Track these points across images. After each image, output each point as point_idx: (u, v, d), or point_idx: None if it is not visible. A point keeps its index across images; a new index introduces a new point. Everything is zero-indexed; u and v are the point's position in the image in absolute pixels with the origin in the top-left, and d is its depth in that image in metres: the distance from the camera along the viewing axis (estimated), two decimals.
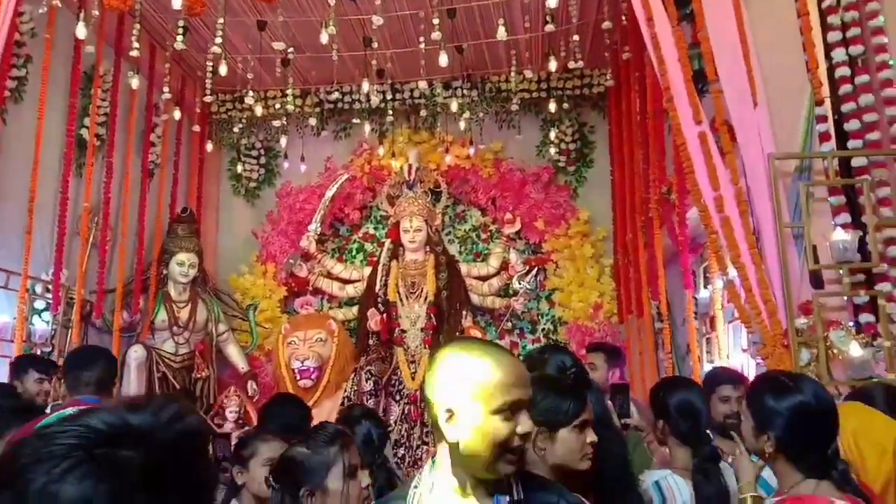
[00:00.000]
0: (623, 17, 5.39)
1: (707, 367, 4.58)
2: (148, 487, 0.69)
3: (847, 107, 3.51)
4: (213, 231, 7.13)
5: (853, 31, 3.58)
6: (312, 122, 6.72)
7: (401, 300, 6.21)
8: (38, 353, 4.44)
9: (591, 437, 1.74)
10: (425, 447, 5.70)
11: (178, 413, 0.75)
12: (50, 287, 4.82)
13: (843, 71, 3.55)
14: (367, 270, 6.63)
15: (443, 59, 4.89)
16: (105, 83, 5.49)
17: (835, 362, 3.05)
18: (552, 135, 6.83)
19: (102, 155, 5.53)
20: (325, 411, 5.72)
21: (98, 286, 5.36)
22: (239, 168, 7.24)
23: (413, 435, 5.76)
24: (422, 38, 5.46)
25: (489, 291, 6.57)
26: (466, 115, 6.52)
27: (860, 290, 3.23)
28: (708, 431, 2.25)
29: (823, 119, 3.47)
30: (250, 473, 2.18)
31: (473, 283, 6.55)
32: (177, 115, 5.94)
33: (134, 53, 4.88)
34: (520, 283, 6.43)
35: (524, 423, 1.30)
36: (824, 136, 3.46)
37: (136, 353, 5.32)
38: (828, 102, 3.50)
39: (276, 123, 6.49)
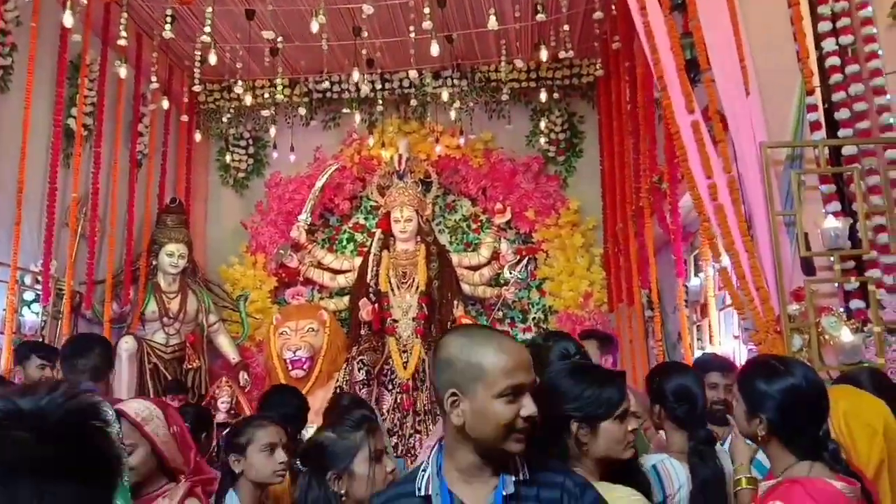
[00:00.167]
0: (613, 7, 5.41)
1: (699, 354, 4.63)
2: (41, 467, 0.71)
3: (837, 96, 3.55)
4: (201, 222, 7.09)
5: (843, 22, 3.62)
6: (302, 111, 6.68)
7: (392, 290, 6.22)
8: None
9: (632, 424, 1.70)
10: (418, 436, 5.73)
11: (68, 394, 0.76)
12: (39, 278, 4.77)
13: (834, 60, 3.59)
14: (358, 261, 6.63)
15: (434, 49, 4.88)
16: (92, 73, 5.42)
17: (826, 348, 3.10)
18: (542, 125, 6.84)
19: (90, 145, 5.47)
20: (317, 401, 5.70)
21: (88, 277, 5.31)
22: (227, 158, 7.20)
23: (406, 424, 5.79)
24: (412, 28, 5.44)
25: (480, 281, 6.59)
26: (457, 104, 6.51)
27: (851, 276, 3.28)
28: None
29: (814, 108, 3.51)
30: (248, 460, 2.19)
31: (464, 273, 6.58)
32: (165, 104, 5.88)
33: (122, 42, 4.83)
34: (510, 273, 6.47)
35: (528, 406, 1.34)
36: (815, 125, 3.50)
37: (126, 345, 5.29)
38: (818, 92, 3.54)
39: (265, 113, 6.45)
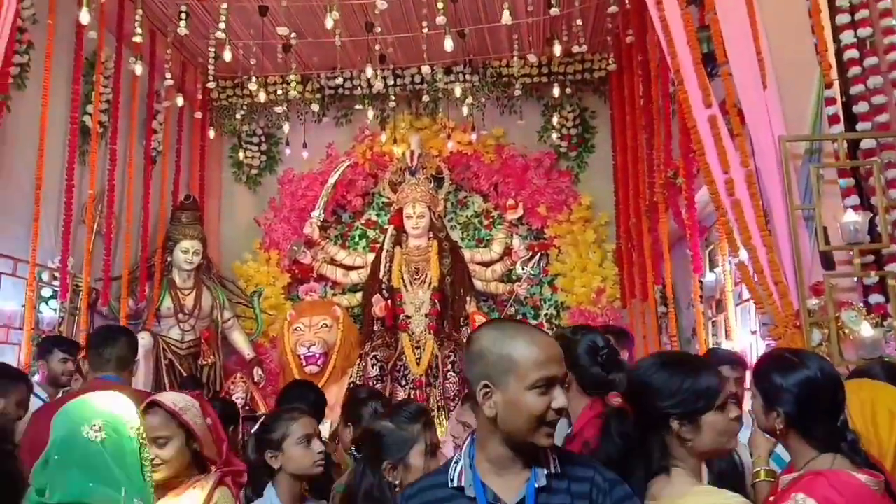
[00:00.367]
0: (626, 1, 5.39)
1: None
2: None
3: (856, 89, 3.53)
4: (215, 218, 7.12)
5: (861, 14, 3.59)
6: (314, 108, 6.69)
7: (405, 286, 6.23)
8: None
9: (734, 412, 1.61)
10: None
11: None
12: (56, 275, 4.81)
13: (852, 53, 3.56)
14: (371, 257, 6.64)
15: (448, 44, 4.87)
16: (107, 70, 5.45)
17: (846, 343, 3.08)
18: (554, 120, 6.82)
19: (105, 142, 5.50)
20: (331, 397, 5.72)
21: (104, 274, 5.35)
22: (240, 155, 7.22)
23: None
24: (424, 23, 5.44)
25: (492, 277, 6.59)
26: (469, 100, 6.50)
27: (870, 270, 3.26)
28: None
29: (833, 101, 3.48)
30: (286, 454, 2.20)
31: (476, 269, 6.58)
32: (179, 101, 5.90)
33: (137, 39, 4.85)
34: (523, 269, 6.46)
35: (558, 399, 1.36)
36: (833, 119, 3.47)
37: (142, 341, 5.30)
38: (837, 85, 3.51)
39: (278, 110, 6.46)
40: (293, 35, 5.52)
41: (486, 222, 7.05)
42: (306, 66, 6.75)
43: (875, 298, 3.23)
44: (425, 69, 6.17)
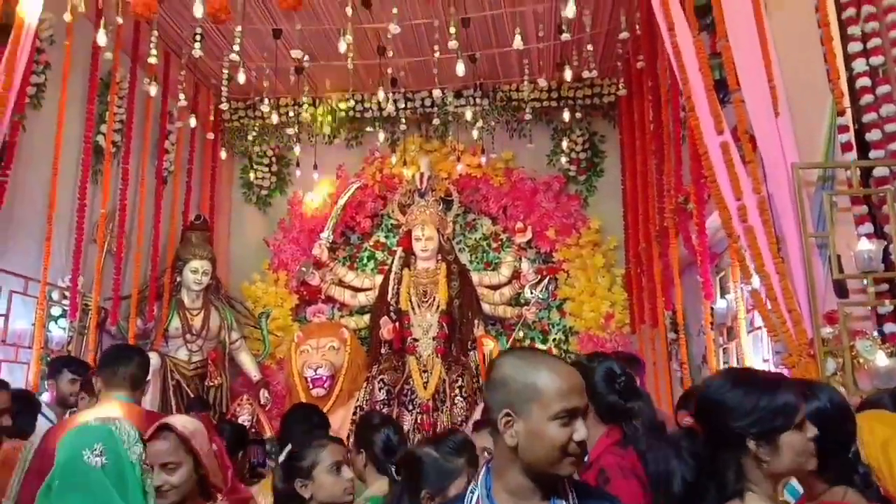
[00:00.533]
0: (637, 27, 5.43)
1: None
2: None
3: (868, 117, 3.52)
4: (224, 238, 7.15)
5: (873, 42, 3.60)
6: (326, 130, 6.74)
7: (413, 309, 6.21)
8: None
9: (811, 431, 1.53)
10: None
11: None
12: (67, 294, 4.82)
13: (864, 81, 3.56)
14: (379, 279, 6.63)
15: (460, 69, 4.91)
16: (121, 90, 5.51)
17: (860, 372, 3.05)
18: (563, 144, 6.84)
19: (118, 161, 5.55)
20: (337, 420, 5.70)
21: (114, 293, 5.36)
22: (251, 176, 7.27)
23: None
24: (436, 48, 5.49)
25: (500, 300, 6.57)
26: (479, 123, 6.53)
27: (884, 299, 3.23)
28: None
29: (845, 129, 3.47)
30: (317, 482, 2.15)
31: (485, 292, 6.56)
32: (192, 122, 5.95)
33: (152, 61, 4.90)
34: (531, 293, 6.43)
35: (580, 430, 1.35)
36: (846, 146, 3.46)
37: (151, 361, 5.30)
38: (849, 112, 3.51)
39: (290, 131, 6.50)
40: (306, 58, 5.58)
41: (494, 245, 7.04)
42: (318, 89, 6.81)
43: (890, 328, 3.19)
44: (436, 93, 6.22)
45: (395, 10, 4.75)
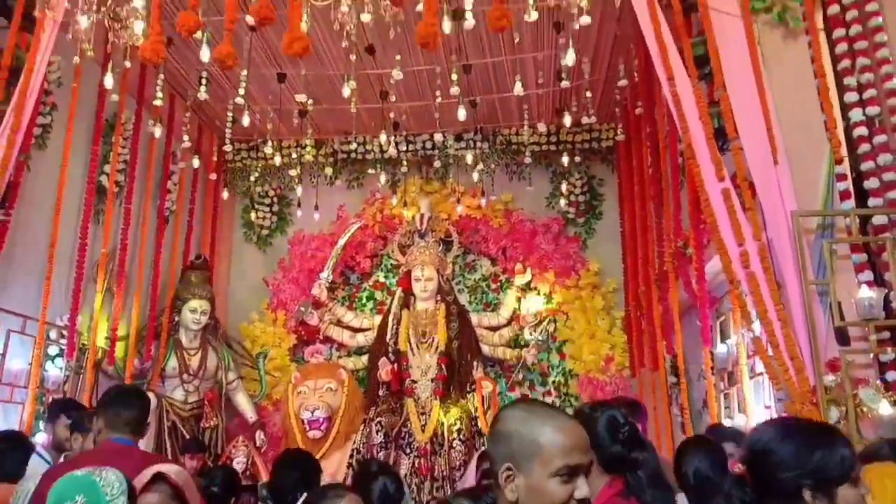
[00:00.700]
0: (635, 74, 5.53)
1: (727, 424, 4.53)
2: None
3: (866, 165, 3.58)
4: (224, 278, 7.14)
5: (869, 93, 3.68)
6: (328, 171, 6.80)
7: (411, 350, 6.17)
8: (50, 399, 4.40)
9: (864, 487, 1.53)
10: (435, 502, 5.59)
11: None
12: (64, 332, 4.79)
13: (861, 131, 3.63)
14: (378, 319, 6.61)
15: (461, 114, 4.98)
16: (126, 131, 5.57)
17: (864, 421, 3.03)
18: (562, 187, 6.91)
19: (121, 201, 5.58)
20: (333, 463, 5.63)
21: (112, 332, 5.33)
22: (252, 215, 7.30)
23: (423, 489, 5.65)
24: (438, 93, 5.57)
25: (500, 342, 6.54)
26: (479, 166, 6.59)
27: (886, 347, 3.23)
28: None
29: (843, 177, 3.53)
30: None
31: (484, 334, 6.53)
32: (195, 163, 6.00)
33: (157, 103, 4.97)
34: (530, 334, 6.41)
35: (582, 488, 1.34)
36: (844, 195, 3.51)
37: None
38: (847, 161, 3.56)
39: (292, 172, 6.55)
40: (310, 101, 5.65)
41: (493, 286, 7.05)
42: (321, 131, 6.89)
43: (892, 376, 3.20)
44: (437, 136, 6.29)
45: (398, 57, 4.83)
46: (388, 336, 6.29)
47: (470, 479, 3.89)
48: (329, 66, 5.77)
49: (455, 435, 5.72)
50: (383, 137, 5.63)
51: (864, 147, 3.59)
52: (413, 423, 5.86)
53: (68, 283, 4.93)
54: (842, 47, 3.78)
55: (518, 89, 5.09)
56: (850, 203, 3.49)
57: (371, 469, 2.98)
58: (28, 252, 4.63)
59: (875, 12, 3.73)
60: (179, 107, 6.21)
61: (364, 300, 7.09)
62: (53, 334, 4.76)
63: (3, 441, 3.09)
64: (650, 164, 5.49)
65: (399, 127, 6.39)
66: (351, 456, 5.75)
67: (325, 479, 3.30)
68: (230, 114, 5.81)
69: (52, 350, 4.71)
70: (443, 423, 5.80)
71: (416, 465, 5.73)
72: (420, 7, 3.71)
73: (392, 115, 6.08)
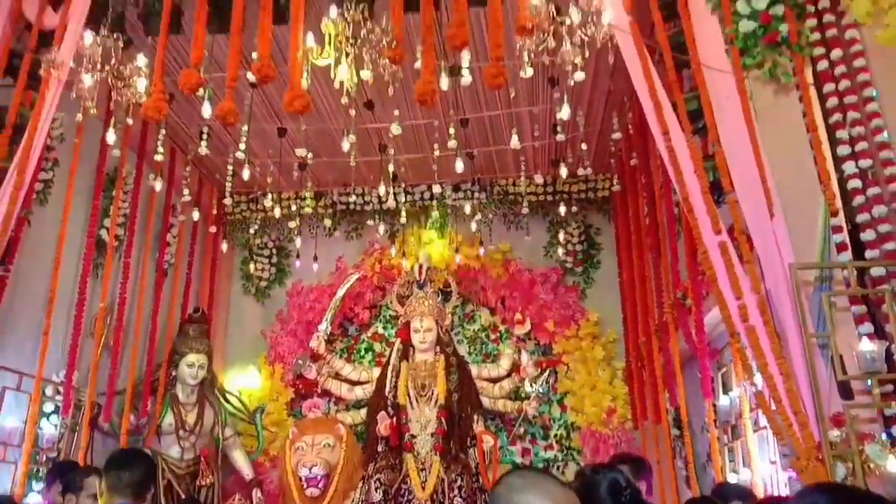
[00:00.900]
0: (629, 127, 5.62)
1: (731, 478, 4.46)
2: None
3: (862, 217, 3.59)
4: (222, 331, 7.10)
5: (861, 146, 3.72)
6: (327, 222, 6.83)
7: (411, 403, 6.07)
8: (44, 458, 4.32)
9: None
10: None
11: None
12: (60, 389, 4.74)
13: (855, 183, 3.65)
14: (376, 371, 6.53)
15: (459, 166, 5.03)
16: (126, 185, 5.61)
17: (872, 478, 2.98)
18: (560, 236, 6.94)
19: (120, 255, 5.58)
20: None
21: (108, 388, 5.27)
22: (251, 267, 7.31)
23: None
24: (436, 146, 5.65)
25: (500, 394, 6.45)
26: (477, 217, 6.64)
27: (891, 401, 3.20)
28: None
29: (839, 230, 3.54)
30: None
31: (484, 385, 6.45)
32: (195, 216, 6.03)
33: (159, 158, 5.02)
34: (531, 386, 6.33)
35: None
36: (841, 246, 3.52)
37: None
38: (842, 213, 3.59)
39: (292, 224, 6.58)
40: (310, 155, 5.72)
41: (493, 337, 7.01)
42: (320, 183, 6.95)
43: None
44: (436, 188, 6.34)
45: (396, 112, 4.92)
46: (387, 389, 6.21)
47: None
48: (329, 120, 5.86)
49: (456, 492, 5.60)
50: (382, 189, 5.68)
51: (859, 199, 3.61)
52: (413, 479, 5.73)
53: (66, 339, 4.89)
54: (832, 101, 3.83)
55: (514, 142, 5.17)
56: (848, 255, 3.49)
57: None
58: (26, 307, 4.62)
59: (863, 68, 3.80)
60: (180, 160, 6.27)
61: (363, 352, 7.03)
62: (49, 391, 4.70)
63: None
64: (646, 214, 5.53)
65: (397, 178, 6.46)
66: None
67: None
68: (230, 167, 5.87)
69: (48, 407, 4.65)
70: (443, 480, 5.68)
71: None
72: (418, 65, 3.80)
73: (391, 167, 6.14)
